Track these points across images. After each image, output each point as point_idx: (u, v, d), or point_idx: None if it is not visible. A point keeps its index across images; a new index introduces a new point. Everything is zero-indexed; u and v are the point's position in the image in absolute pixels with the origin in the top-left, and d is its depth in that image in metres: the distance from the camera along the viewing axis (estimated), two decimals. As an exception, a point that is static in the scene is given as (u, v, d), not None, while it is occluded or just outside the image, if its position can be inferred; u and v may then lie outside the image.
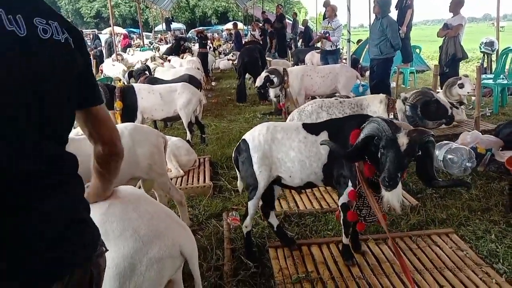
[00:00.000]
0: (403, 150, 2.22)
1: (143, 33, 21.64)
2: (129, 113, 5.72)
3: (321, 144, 2.63)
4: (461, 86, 5.97)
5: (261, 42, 13.97)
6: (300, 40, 17.86)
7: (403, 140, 2.22)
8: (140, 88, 5.94)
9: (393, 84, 9.57)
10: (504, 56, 8.06)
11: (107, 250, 1.30)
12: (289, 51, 15.65)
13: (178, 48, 13.98)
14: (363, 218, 2.70)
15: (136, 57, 15.31)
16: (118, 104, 5.67)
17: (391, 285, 2.63)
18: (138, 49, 18.87)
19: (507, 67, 7.97)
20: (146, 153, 3.23)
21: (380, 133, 2.29)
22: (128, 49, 17.54)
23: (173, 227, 1.86)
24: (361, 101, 4.34)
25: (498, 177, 4.35)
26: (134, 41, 23.36)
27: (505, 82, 7.86)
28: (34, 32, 1.07)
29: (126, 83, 8.49)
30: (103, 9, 42.31)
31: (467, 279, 2.67)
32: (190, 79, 7.23)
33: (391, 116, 4.05)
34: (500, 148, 4.84)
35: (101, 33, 20.82)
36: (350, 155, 2.46)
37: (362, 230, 3.02)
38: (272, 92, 7.45)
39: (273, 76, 6.99)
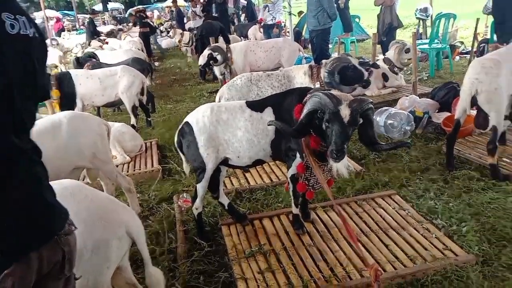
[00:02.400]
0: (347, 121, 2.28)
1: (79, 15, 20.51)
2: (68, 101, 5.47)
3: (268, 125, 2.64)
4: (407, 50, 6.38)
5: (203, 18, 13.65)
6: (243, 15, 17.65)
7: (345, 112, 2.28)
8: (77, 74, 5.67)
9: (335, 54, 9.76)
10: (438, 21, 8.40)
11: (76, 228, 1.33)
12: (232, 26, 15.44)
13: (95, 31, 13.03)
14: (311, 187, 2.77)
15: (72, 41, 14.54)
16: (54, 93, 5.39)
17: (340, 249, 2.75)
18: (75, 32, 17.91)
19: (441, 31, 8.33)
20: (89, 141, 3.11)
21: (322, 107, 2.33)
22: (62, 33, 16.59)
23: (116, 209, 1.85)
24: (288, 72, 4.41)
25: (436, 138, 4.60)
26: (66, 24, 22.08)
27: (440, 46, 8.23)
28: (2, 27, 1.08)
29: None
30: (32, -9, 39.49)
31: (409, 236, 2.83)
32: (136, 61, 6.97)
33: (318, 85, 4.14)
34: (436, 110, 5.11)
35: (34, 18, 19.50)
36: (297, 131, 2.49)
37: (311, 199, 3.10)
38: (217, 70, 7.37)
39: (216, 53, 6.89)
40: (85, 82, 5.53)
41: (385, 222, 3.02)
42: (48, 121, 3.06)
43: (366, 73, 3.91)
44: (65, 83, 5.47)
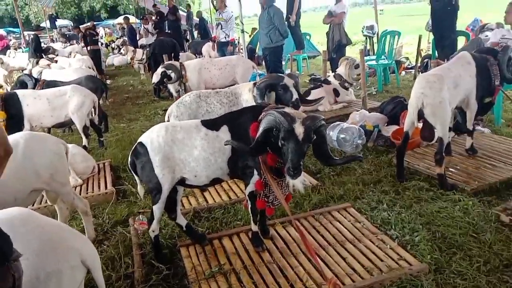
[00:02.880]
0: (301, 139, 2.33)
1: (25, 32, 19.69)
2: (14, 123, 5.19)
3: (225, 145, 2.64)
4: (357, 66, 6.64)
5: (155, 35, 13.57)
6: (196, 32, 17.71)
7: (299, 129, 2.33)
8: (25, 94, 5.41)
9: (288, 71, 9.98)
10: (384, 38, 8.83)
11: (21, 255, 1.30)
12: (186, 43, 15.43)
13: (39, 49, 12.42)
14: (270, 203, 2.80)
15: (18, 60, 13.91)
16: (0, 115, 5.12)
17: (299, 264, 2.77)
18: (21, 49, 17.17)
19: (386, 48, 8.75)
20: (46, 162, 2.98)
21: (277, 125, 2.37)
22: (7, 51, 15.85)
23: (69, 237, 1.77)
24: (235, 90, 4.47)
25: (386, 150, 4.79)
26: (11, 41, 21.17)
27: (386, 62, 8.64)
28: None
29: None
30: (-26, 9, 37.70)
31: (365, 248, 2.91)
32: (90, 80, 6.76)
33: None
34: (386, 124, 5.33)
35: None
36: (255, 150, 2.51)
37: (271, 215, 3.12)
38: (172, 88, 7.31)
39: (170, 71, 6.85)
40: (33, 102, 5.30)
41: (342, 235, 3.09)
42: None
43: (295, 95, 3.95)
44: (11, 104, 5.21)
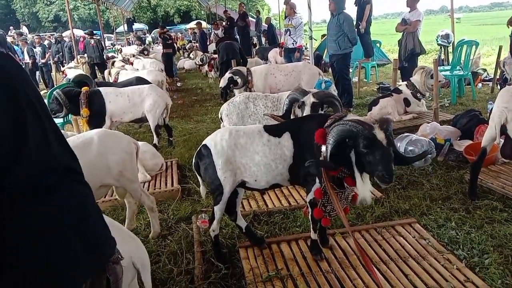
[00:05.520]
0: (386, 144, 2.28)
1: (105, 34, 21.14)
2: (96, 119, 5.57)
3: (307, 166, 2.56)
4: (433, 76, 6.27)
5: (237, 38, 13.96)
6: (264, 38, 17.94)
7: (380, 135, 2.28)
8: (107, 91, 5.79)
9: (355, 79, 9.80)
10: (460, 47, 8.38)
11: (122, 258, 1.27)
12: (253, 49, 15.70)
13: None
14: (327, 213, 2.76)
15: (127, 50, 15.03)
16: (84, 111, 5.51)
17: (358, 277, 2.71)
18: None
19: (462, 58, 8.29)
20: (118, 159, 3.18)
21: (355, 134, 2.32)
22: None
23: (122, 238, 1.81)
24: (282, 96, 4.71)
25: (457, 166, 4.53)
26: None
27: (461, 73, 8.18)
28: None
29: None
30: (62, 12, 41.05)
31: (429, 266, 2.78)
32: (140, 81, 7.05)
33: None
34: (458, 138, 5.05)
35: (63, 37, 20.12)
36: (333, 163, 2.45)
37: (327, 225, 3.08)
38: (237, 92, 7.47)
39: (236, 77, 7.02)
40: (115, 99, 5.65)
41: (405, 251, 2.98)
42: (79, 139, 3.16)
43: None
44: (95, 101, 5.58)
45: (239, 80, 7.02)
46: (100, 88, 5.92)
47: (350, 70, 9.46)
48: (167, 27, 17.39)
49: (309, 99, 3.70)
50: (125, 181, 3.26)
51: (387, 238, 3.16)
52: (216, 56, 11.66)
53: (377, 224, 3.39)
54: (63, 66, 13.83)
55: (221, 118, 4.98)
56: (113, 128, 5.72)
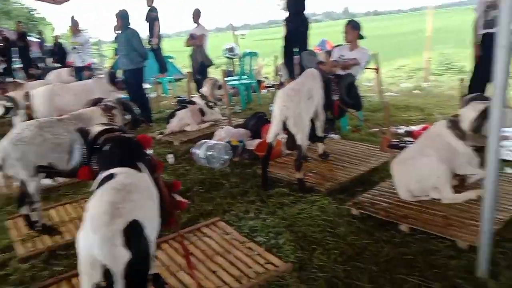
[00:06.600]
0: None
1: None
2: None
3: None
4: (220, 87, 6.93)
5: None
6: (52, 58, 16.33)
7: None
8: None
9: (153, 94, 9.86)
10: (243, 59, 9.29)
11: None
12: (37, 71, 14.13)
13: None
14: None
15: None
16: None
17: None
18: None
19: (248, 68, 9.24)
20: None
21: None
22: None
23: None
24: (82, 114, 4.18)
25: (251, 163, 4.96)
26: None
27: (248, 81, 9.08)
28: None
29: None
30: None
31: (235, 258, 2.93)
32: None
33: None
34: (249, 138, 5.54)
35: None
36: None
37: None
38: (16, 122, 6.54)
39: (9, 103, 6.14)
40: None
41: (211, 250, 3.08)
42: None
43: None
44: None
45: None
46: None
47: (149, 86, 9.44)
48: None
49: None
50: None
51: (194, 241, 3.21)
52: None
53: (184, 230, 3.40)
54: None
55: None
56: None
